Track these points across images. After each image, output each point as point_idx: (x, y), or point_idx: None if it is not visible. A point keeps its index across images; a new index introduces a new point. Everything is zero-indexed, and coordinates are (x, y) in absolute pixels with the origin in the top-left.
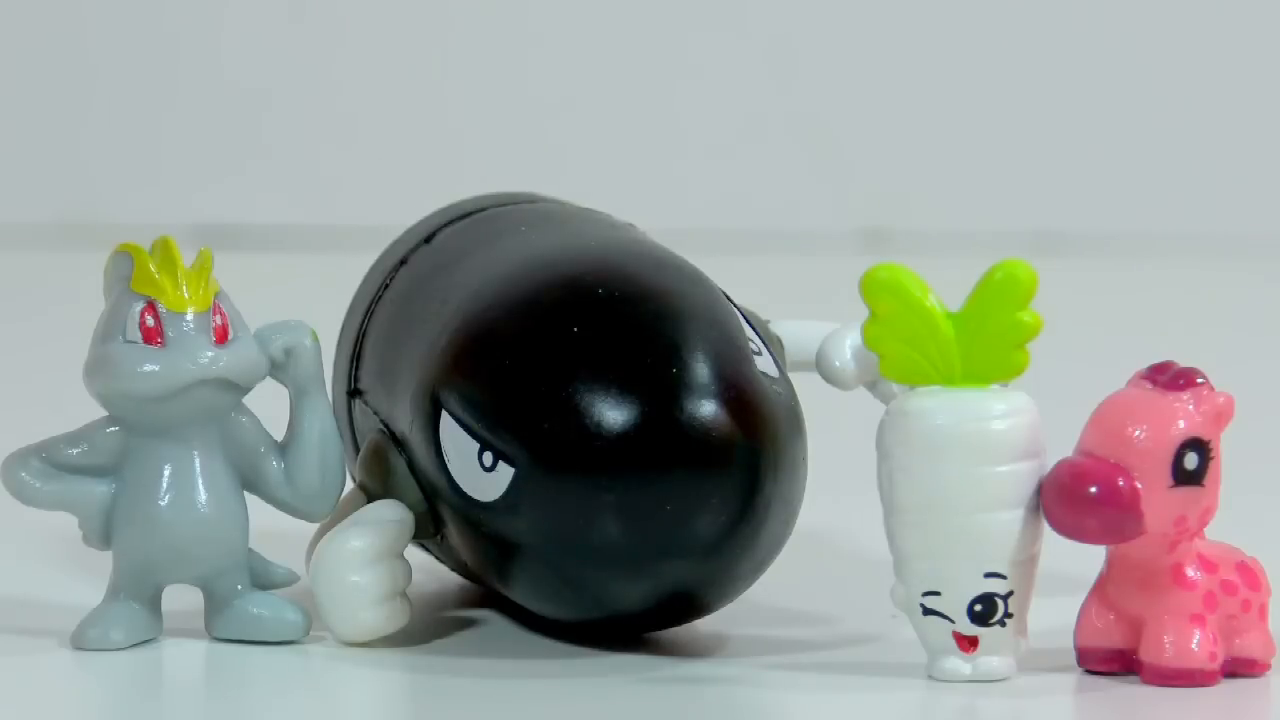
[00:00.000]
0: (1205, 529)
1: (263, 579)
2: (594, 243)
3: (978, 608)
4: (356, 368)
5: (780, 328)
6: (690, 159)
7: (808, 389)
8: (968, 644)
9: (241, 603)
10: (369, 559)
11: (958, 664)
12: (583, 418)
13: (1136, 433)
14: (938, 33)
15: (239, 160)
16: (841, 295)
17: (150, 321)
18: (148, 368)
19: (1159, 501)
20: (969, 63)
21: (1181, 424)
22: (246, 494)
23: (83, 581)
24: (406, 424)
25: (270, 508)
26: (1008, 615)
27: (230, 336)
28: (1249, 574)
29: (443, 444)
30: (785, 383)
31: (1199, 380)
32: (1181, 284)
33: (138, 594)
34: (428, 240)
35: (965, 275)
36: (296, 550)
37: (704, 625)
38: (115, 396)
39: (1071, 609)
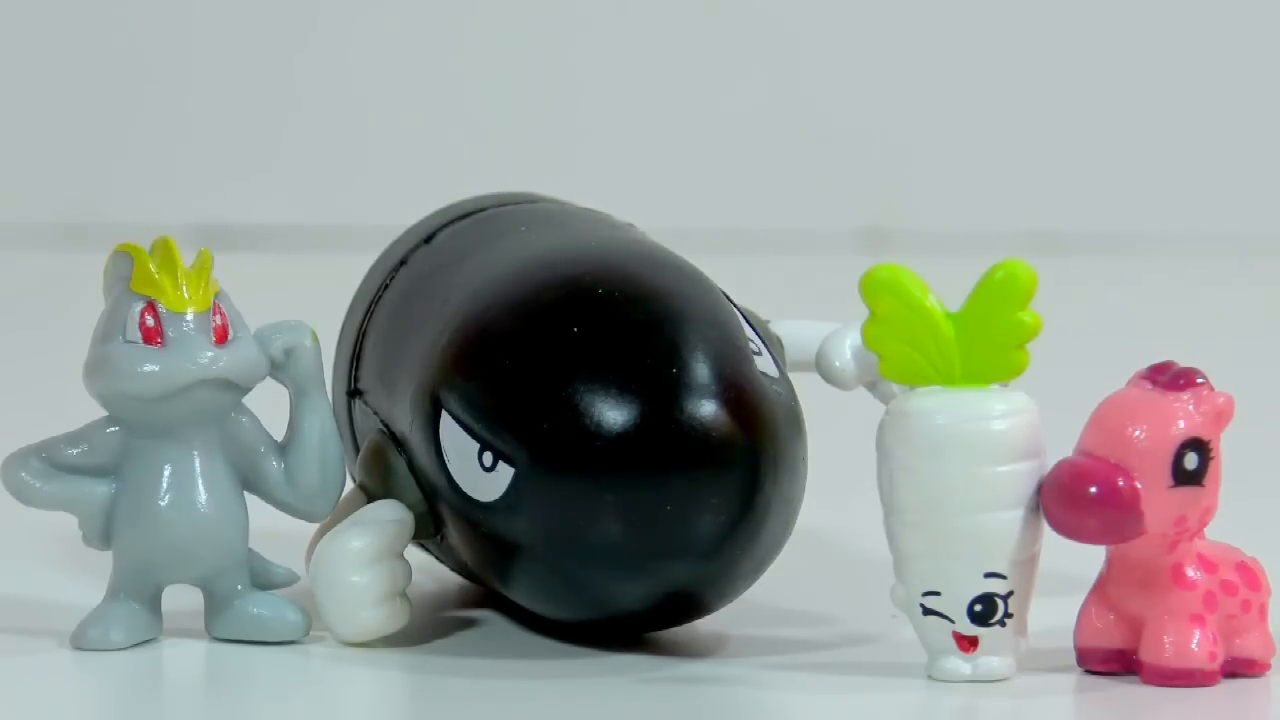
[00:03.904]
0: (1205, 529)
1: (263, 579)
2: (594, 243)
3: (978, 608)
4: (356, 368)
5: (780, 328)
6: (690, 159)
7: (808, 389)
8: (968, 644)
9: (241, 603)
10: (369, 559)
11: (958, 664)
12: (583, 418)
13: (1136, 433)
14: (938, 33)
15: (240, 160)
16: (841, 295)
17: (150, 321)
18: (148, 368)
19: (1159, 501)
20: (969, 63)
21: (1181, 424)
22: (246, 494)
23: (83, 581)
24: (406, 424)
25: (270, 508)
26: (1008, 615)
27: (230, 336)
28: (1249, 574)
29: (443, 444)
30: (785, 383)
31: (1199, 380)
32: (1181, 284)
33: (138, 594)
34: (428, 240)
35: (965, 275)
36: (296, 550)
37: (704, 625)
38: (115, 396)
39: (1071, 609)
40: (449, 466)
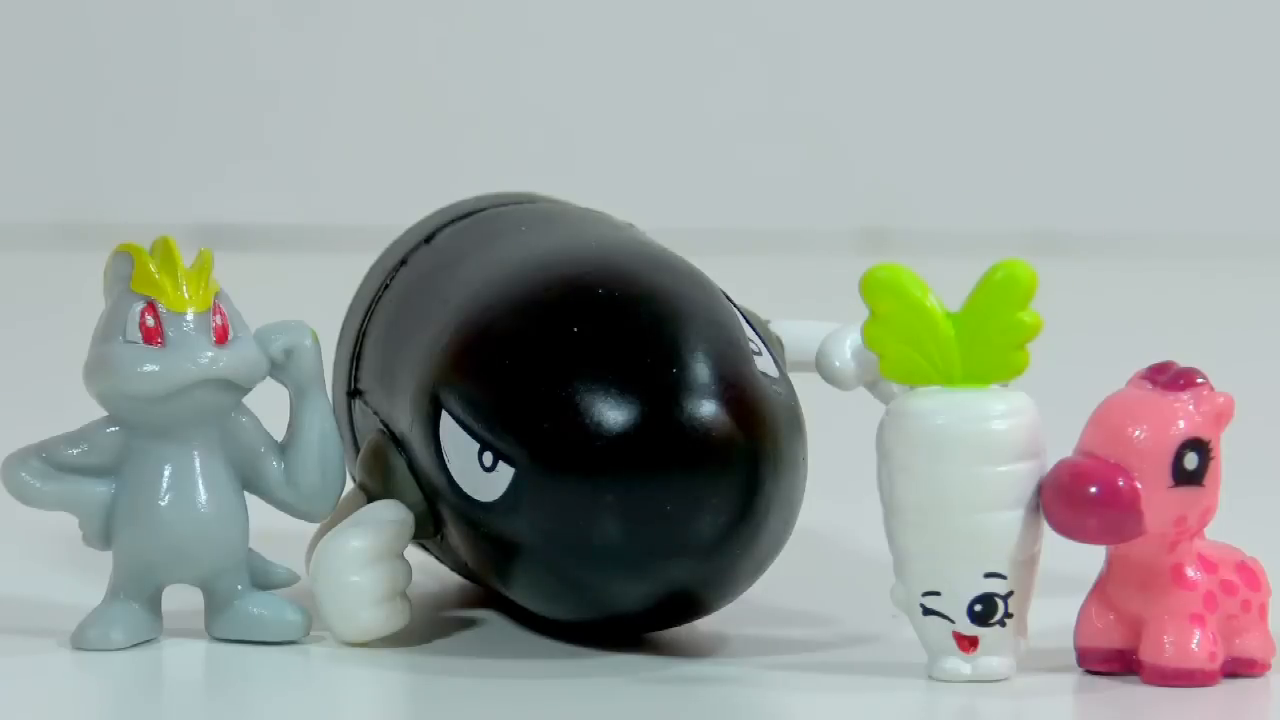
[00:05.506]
0: (1205, 529)
1: (263, 579)
2: (594, 243)
3: (978, 608)
4: (356, 368)
5: (780, 328)
6: (690, 159)
7: (808, 389)
8: (968, 644)
9: (241, 603)
10: (369, 559)
11: (958, 664)
12: (583, 418)
13: (1136, 433)
14: (937, 32)
15: (239, 160)
16: (841, 295)
17: (150, 321)
18: (148, 368)
19: (1159, 501)
20: (969, 62)
21: (1181, 424)
22: (246, 494)
23: (83, 581)
24: (406, 424)
25: (270, 508)
26: (1008, 615)
27: (230, 336)
28: (1249, 574)
29: (443, 444)
30: (785, 383)
31: (1199, 380)
32: (1181, 284)
33: (138, 594)
34: (428, 240)
35: (965, 275)
36: (296, 550)
37: (704, 625)
38: (115, 396)
39: (1071, 609)
40: (449, 466)
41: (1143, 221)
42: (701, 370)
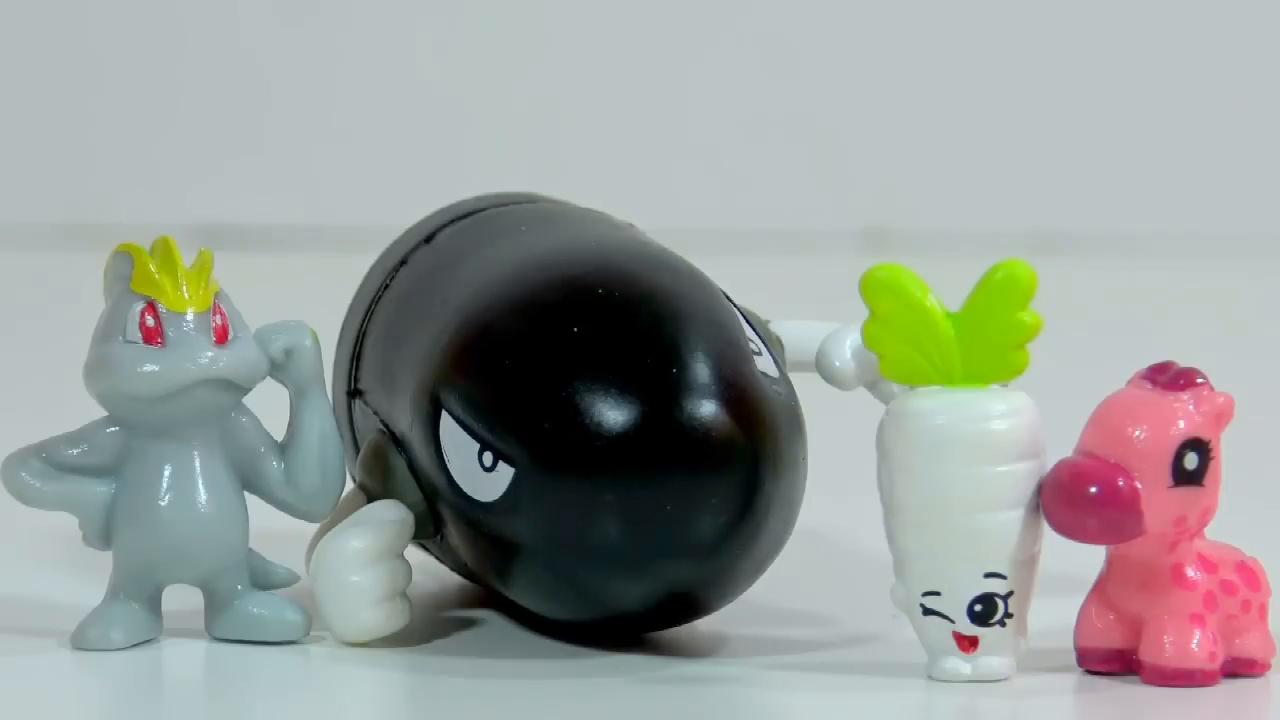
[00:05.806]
0: (1205, 529)
1: (263, 579)
2: (594, 243)
3: (978, 608)
4: (356, 368)
5: (780, 328)
6: (690, 159)
7: (808, 389)
8: (968, 644)
9: (241, 603)
10: (369, 559)
11: (958, 664)
12: (583, 418)
13: (1136, 433)
14: (937, 33)
15: (239, 160)
16: (841, 295)
17: (150, 322)
18: (148, 368)
19: (1159, 501)
20: (968, 63)
21: (1181, 424)
22: (246, 494)
23: (83, 581)
24: (406, 424)
25: (270, 508)
26: (1008, 615)
27: (230, 336)
28: (1249, 574)
29: (443, 444)
30: (785, 383)
31: (1199, 380)
32: (1181, 284)
33: (138, 594)
34: (428, 240)
35: (965, 275)
36: (296, 550)
37: (704, 625)
38: (115, 396)
39: (1071, 609)
40: (449, 466)
41: (1143, 221)
42: (701, 370)
